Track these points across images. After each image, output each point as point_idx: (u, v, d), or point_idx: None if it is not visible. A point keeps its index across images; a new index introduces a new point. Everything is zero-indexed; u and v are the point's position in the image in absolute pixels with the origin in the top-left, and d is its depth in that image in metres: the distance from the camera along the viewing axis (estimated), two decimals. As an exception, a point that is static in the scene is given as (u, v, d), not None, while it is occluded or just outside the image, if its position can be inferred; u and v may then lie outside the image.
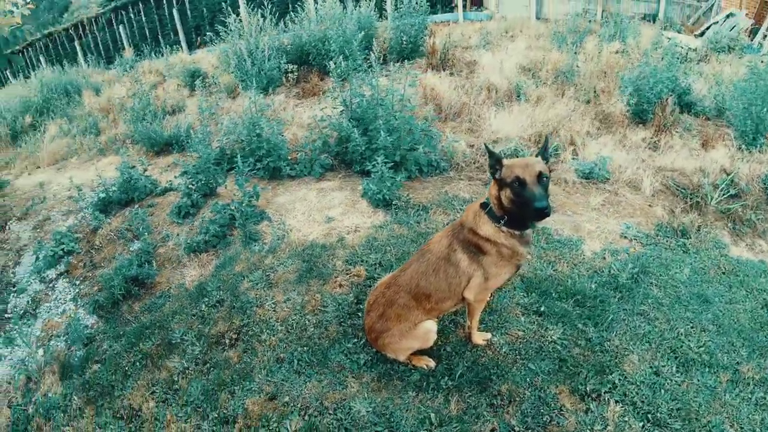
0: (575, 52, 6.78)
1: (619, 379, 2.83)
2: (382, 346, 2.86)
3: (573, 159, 5.02)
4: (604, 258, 3.79)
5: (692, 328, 3.22)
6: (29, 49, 11.74)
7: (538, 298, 3.34)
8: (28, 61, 11.55)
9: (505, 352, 2.97)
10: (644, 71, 5.75)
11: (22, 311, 4.10)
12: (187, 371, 3.22)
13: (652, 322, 3.22)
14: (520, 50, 7.49)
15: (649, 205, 4.53)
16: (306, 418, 2.75)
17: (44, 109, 8.44)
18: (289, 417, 2.76)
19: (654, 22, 10.20)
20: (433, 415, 2.68)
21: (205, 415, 2.92)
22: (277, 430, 2.72)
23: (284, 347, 3.22)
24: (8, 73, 11.03)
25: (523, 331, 3.11)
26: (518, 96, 6.21)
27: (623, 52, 7.59)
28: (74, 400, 3.21)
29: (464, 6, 10.84)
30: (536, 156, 2.46)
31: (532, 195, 2.24)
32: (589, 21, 9.19)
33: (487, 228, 2.51)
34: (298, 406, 2.82)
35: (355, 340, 3.16)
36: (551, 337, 3.05)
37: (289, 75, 7.96)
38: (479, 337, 3.02)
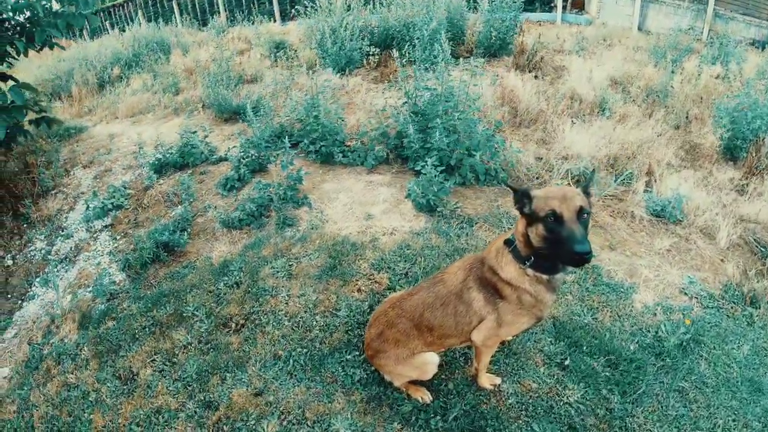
0: (672, 71, 6.16)
1: (633, 466, 2.55)
2: (378, 365, 2.80)
3: (646, 191, 4.57)
4: (655, 314, 3.41)
5: (734, 420, 2.81)
6: (129, 3, 12.88)
7: (566, 348, 3.08)
8: (126, 15, 12.70)
9: (510, 404, 2.78)
10: (743, 102, 5.10)
11: (63, 256, 4.52)
12: (189, 347, 3.37)
13: (690, 404, 2.85)
14: (614, 61, 6.93)
15: (721, 260, 4.01)
16: (284, 423, 2.77)
17: (133, 63, 9.22)
18: (268, 418, 2.80)
19: (763, 50, 9.13)
20: (412, 454, 2.58)
21: (192, 394, 3.04)
22: (254, 428, 2.77)
23: (284, 344, 3.26)
24: (108, 25, 12.23)
25: (539, 384, 2.88)
26: (602, 110, 5.77)
27: (724, 77, 6.81)
28: (84, 351, 3.49)
29: (564, 7, 10.44)
30: (577, 188, 2.19)
31: (571, 235, 1.95)
32: (696, 39, 8.37)
33: (509, 269, 2.28)
34: (280, 408, 2.85)
35: (357, 352, 3.13)
36: (568, 398, 2.79)
37: (370, 58, 8.00)
38: (487, 381, 2.85)
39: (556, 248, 2.03)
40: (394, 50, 5.91)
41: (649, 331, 3.27)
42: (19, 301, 4.16)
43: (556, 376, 2.93)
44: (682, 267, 3.90)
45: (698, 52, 7.72)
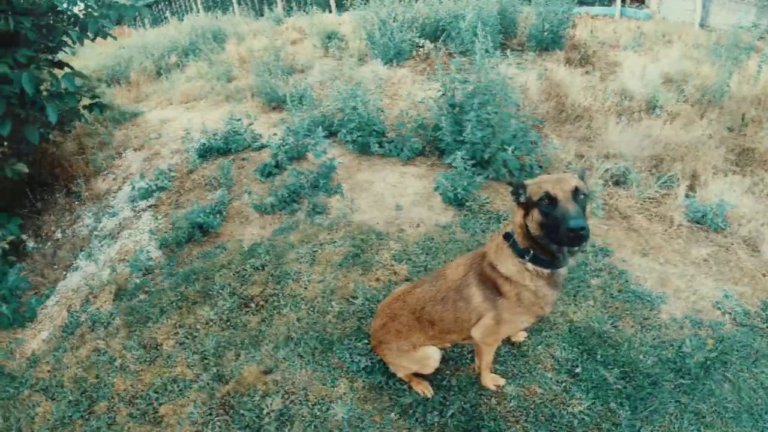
0: (730, 71, 5.76)
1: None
2: (381, 355, 2.87)
3: (688, 196, 4.32)
4: (682, 328, 3.23)
5: (752, 451, 2.62)
6: (188, -7, 13.67)
7: (579, 355, 3.00)
8: (186, 3, 13.44)
9: (511, 407, 2.76)
10: (801, 106, 4.72)
11: (108, 233, 4.91)
12: (210, 323, 3.60)
13: (705, 429, 2.67)
14: (670, 58, 6.56)
15: (763, 274, 3.72)
16: (286, 402, 2.91)
17: (189, 51, 9.75)
18: (273, 396, 2.95)
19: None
20: (404, 446, 2.63)
21: (207, 367, 3.25)
22: (258, 404, 2.93)
23: (298, 327, 3.41)
24: (168, 13, 13.02)
25: (544, 390, 2.83)
26: (653, 108, 5.51)
27: (785, 78, 6.28)
28: (116, 320, 3.80)
29: (623, 1, 10.22)
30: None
31: (565, 213, 1.93)
32: (761, 37, 7.77)
33: (508, 265, 2.26)
34: (285, 388, 3.00)
35: (366, 340, 3.22)
36: (573, 408, 2.73)
37: (420, 49, 8.05)
38: (490, 381, 2.85)
39: (552, 231, 2.00)
40: (435, 42, 5.92)
41: (671, 346, 3.10)
42: (64, 272, 4.58)
43: (564, 384, 2.87)
44: (719, 279, 3.68)
45: (761, 51, 7.20)
